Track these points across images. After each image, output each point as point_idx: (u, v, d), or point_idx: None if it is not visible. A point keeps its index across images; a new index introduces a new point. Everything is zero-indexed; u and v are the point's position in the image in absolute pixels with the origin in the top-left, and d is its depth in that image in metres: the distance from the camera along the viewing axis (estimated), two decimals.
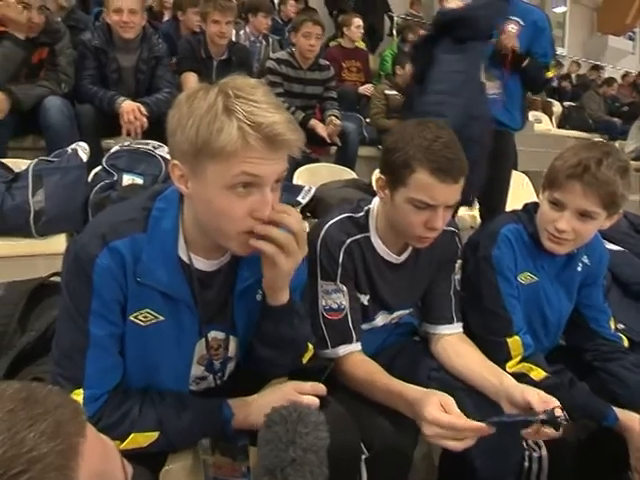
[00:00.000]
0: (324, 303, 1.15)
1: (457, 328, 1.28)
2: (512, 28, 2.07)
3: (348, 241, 1.16)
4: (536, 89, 2.34)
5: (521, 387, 1.04)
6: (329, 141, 3.01)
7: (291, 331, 0.94)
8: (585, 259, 1.36)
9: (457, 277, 1.31)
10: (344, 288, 1.16)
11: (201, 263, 0.89)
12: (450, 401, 0.93)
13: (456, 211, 2.16)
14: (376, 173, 1.16)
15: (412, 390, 1.01)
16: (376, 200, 1.20)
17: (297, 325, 0.94)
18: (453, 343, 1.26)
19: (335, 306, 1.16)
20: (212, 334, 0.95)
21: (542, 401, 0.97)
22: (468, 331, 1.30)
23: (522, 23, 2.07)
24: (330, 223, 1.17)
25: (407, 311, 1.34)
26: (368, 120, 3.85)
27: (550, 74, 2.15)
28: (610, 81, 6.88)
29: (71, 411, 0.44)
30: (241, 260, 0.92)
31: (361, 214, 1.21)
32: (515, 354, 1.24)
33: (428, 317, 1.32)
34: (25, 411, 0.42)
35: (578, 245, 1.26)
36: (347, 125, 3.15)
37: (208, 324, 0.93)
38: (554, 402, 0.96)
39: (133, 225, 0.84)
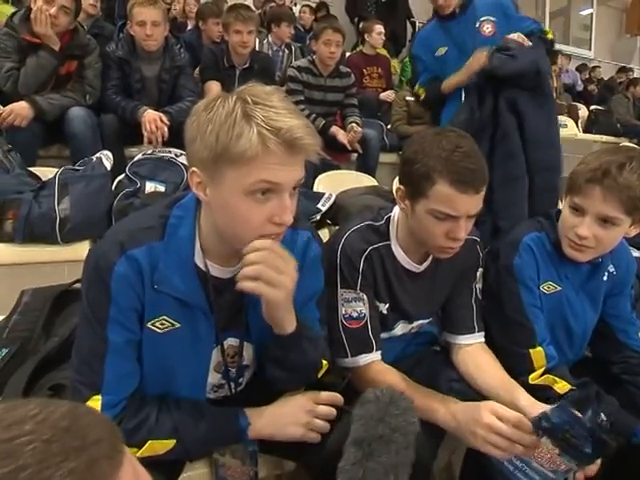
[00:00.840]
0: (344, 311, 1.15)
1: (478, 338, 1.27)
2: (487, 29, 1.98)
3: (368, 249, 1.16)
4: (551, 59, 2.23)
5: (534, 408, 1.02)
6: (350, 148, 3.01)
7: (301, 357, 0.93)
8: (611, 268, 1.33)
9: (479, 286, 1.30)
10: (364, 296, 1.16)
11: (217, 270, 0.90)
12: (502, 409, 0.95)
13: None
14: (396, 183, 1.16)
15: (451, 400, 1.02)
16: (397, 208, 1.20)
17: (307, 349, 0.93)
18: (473, 354, 1.25)
19: (355, 314, 1.16)
20: (228, 341, 0.96)
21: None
22: (490, 341, 1.28)
23: (493, 19, 1.95)
24: (351, 231, 1.18)
25: (427, 320, 1.33)
26: (389, 127, 3.84)
27: (550, 35, 2.04)
28: (635, 81, 6.69)
29: (109, 447, 0.42)
30: None
31: (382, 222, 1.20)
32: (538, 366, 1.22)
33: (449, 326, 1.30)
34: (61, 443, 0.39)
35: (600, 253, 1.23)
36: (368, 132, 3.15)
37: (224, 331, 0.94)
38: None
39: (150, 233, 0.86)
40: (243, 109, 0.76)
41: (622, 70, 7.83)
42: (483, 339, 1.27)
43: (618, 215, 1.12)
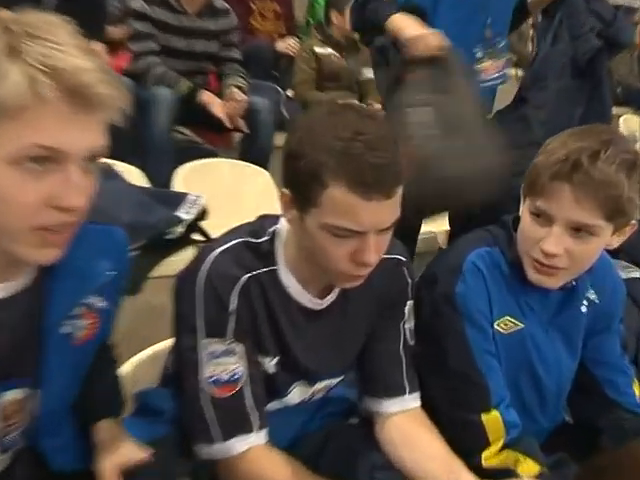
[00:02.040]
0: (209, 373, 1.16)
1: (411, 402, 1.33)
2: None
3: (244, 278, 1.18)
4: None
5: None
6: (229, 125, 3.06)
7: None
8: (591, 294, 1.44)
9: (409, 326, 1.36)
10: (239, 348, 1.18)
11: None
12: None
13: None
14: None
15: None
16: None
17: None
18: (405, 426, 1.30)
19: (226, 376, 1.17)
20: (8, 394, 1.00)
21: None
22: (428, 405, 1.34)
23: None
24: (218, 252, 1.19)
25: (336, 380, 1.37)
26: (290, 93, 3.94)
27: None
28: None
29: None
30: (52, 281, 0.97)
31: (264, 238, 1.23)
32: (494, 438, 1.29)
33: (369, 387, 1.35)
34: None
35: (575, 274, 1.33)
36: (257, 101, 3.22)
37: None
38: None
39: None
40: (9, 42, 0.78)
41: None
42: (418, 403, 1.33)
43: (596, 221, 1.21)
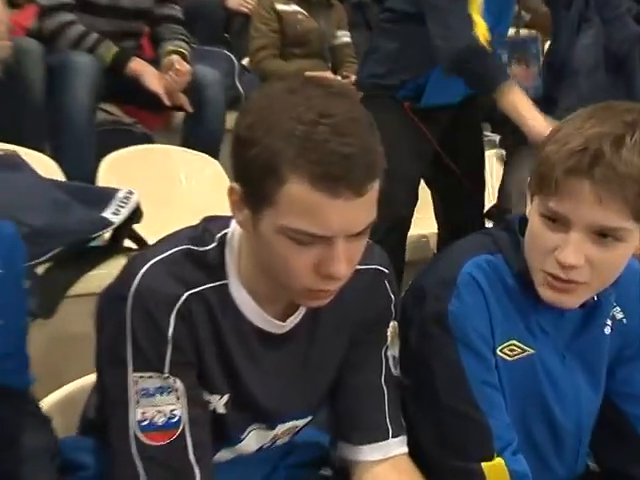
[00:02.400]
0: (140, 416, 1.17)
1: (396, 447, 1.34)
2: None
3: (185, 296, 1.19)
4: None
5: None
6: (168, 102, 3.06)
7: None
8: (617, 312, 1.47)
9: (392, 353, 1.38)
10: (178, 385, 1.19)
11: None
12: None
13: None
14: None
15: None
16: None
17: None
18: (388, 476, 1.32)
19: (161, 420, 1.18)
20: None
21: None
22: (417, 450, 1.36)
23: None
24: (150, 264, 1.20)
25: (304, 421, 1.39)
26: (246, 61, 3.94)
27: None
28: None
29: None
30: None
31: (211, 246, 1.24)
32: None
33: (344, 431, 1.37)
34: None
35: (598, 289, 1.35)
36: (204, 72, 3.24)
37: None
38: None
39: None
40: None
41: None
42: (404, 448, 1.35)
43: (622, 224, 1.23)
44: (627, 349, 1.49)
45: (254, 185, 1.10)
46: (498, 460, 1.32)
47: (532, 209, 1.32)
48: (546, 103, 2.76)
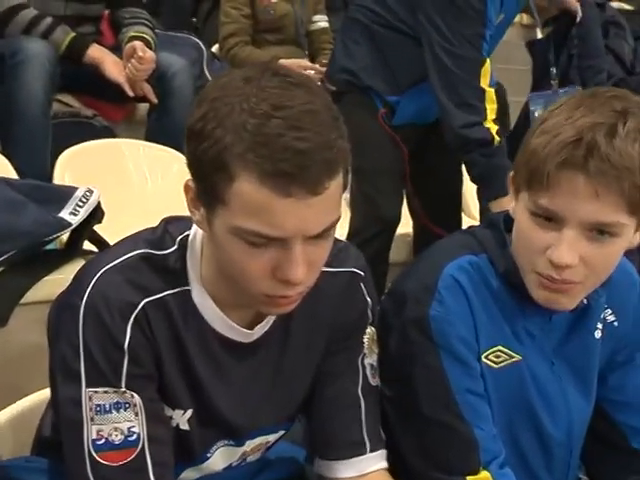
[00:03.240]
0: (96, 434, 1.17)
1: (374, 462, 1.35)
2: None
3: (143, 304, 1.19)
4: None
5: None
6: (130, 93, 3.05)
7: None
8: (608, 315, 1.48)
9: (370, 361, 1.38)
10: (136, 400, 1.18)
11: None
12: None
13: None
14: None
15: None
16: None
17: None
18: None
19: (119, 438, 1.17)
20: None
21: None
22: (397, 464, 1.37)
23: None
24: (104, 270, 1.19)
25: (275, 436, 1.40)
26: (215, 49, 3.93)
27: None
28: None
29: None
30: None
31: (171, 249, 1.24)
32: None
33: (319, 446, 1.37)
34: None
35: (592, 288, 1.36)
36: (171, 60, 3.23)
37: None
38: None
39: None
40: None
41: None
42: (383, 463, 1.36)
43: (618, 218, 1.24)
44: (619, 354, 1.51)
45: (206, 182, 1.09)
46: (484, 474, 1.33)
47: (518, 207, 1.32)
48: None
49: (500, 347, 1.39)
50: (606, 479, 1.54)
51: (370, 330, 1.39)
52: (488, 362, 1.38)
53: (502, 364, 1.39)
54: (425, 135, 2.87)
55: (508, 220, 1.39)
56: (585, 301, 1.40)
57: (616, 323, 1.49)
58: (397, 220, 2.78)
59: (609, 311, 1.48)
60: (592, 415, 1.51)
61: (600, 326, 1.47)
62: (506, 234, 1.39)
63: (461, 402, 1.34)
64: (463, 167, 2.85)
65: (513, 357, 1.39)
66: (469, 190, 3.10)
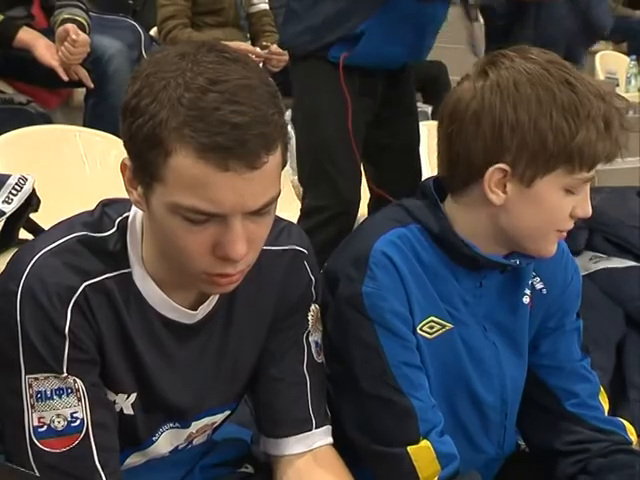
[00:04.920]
0: (37, 421, 1.18)
1: (320, 438, 1.39)
2: None
3: (83, 287, 1.20)
4: None
5: None
6: (64, 77, 3.02)
7: None
8: (537, 282, 1.54)
9: (314, 338, 1.42)
10: (78, 384, 1.19)
11: None
12: None
13: None
14: None
15: None
16: None
17: None
18: (310, 471, 1.36)
19: (61, 424, 1.19)
20: None
21: None
22: (341, 438, 1.41)
23: None
24: (41, 254, 1.20)
25: (221, 416, 1.42)
26: (154, 32, 3.90)
27: None
28: None
29: None
30: None
31: (110, 231, 1.25)
32: (427, 475, 1.37)
33: (266, 424, 1.41)
34: None
35: None
36: (107, 43, 3.21)
37: None
38: None
39: None
40: None
41: None
42: (329, 439, 1.40)
43: None
44: (549, 320, 1.57)
45: (142, 159, 1.10)
46: (424, 443, 1.37)
47: (547, 185, 1.36)
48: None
49: (433, 317, 1.44)
50: (542, 442, 1.59)
51: (314, 307, 1.41)
52: (423, 333, 1.42)
53: (436, 334, 1.44)
54: (383, 102, 2.79)
55: (438, 187, 1.45)
56: (517, 262, 1.45)
57: (545, 291, 1.55)
58: (357, 201, 2.73)
59: (538, 279, 1.54)
60: (527, 381, 1.57)
61: (528, 292, 1.53)
62: (439, 201, 1.44)
63: (398, 375, 1.38)
64: (422, 135, 2.85)
65: (445, 326, 1.45)
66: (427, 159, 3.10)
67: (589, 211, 1.40)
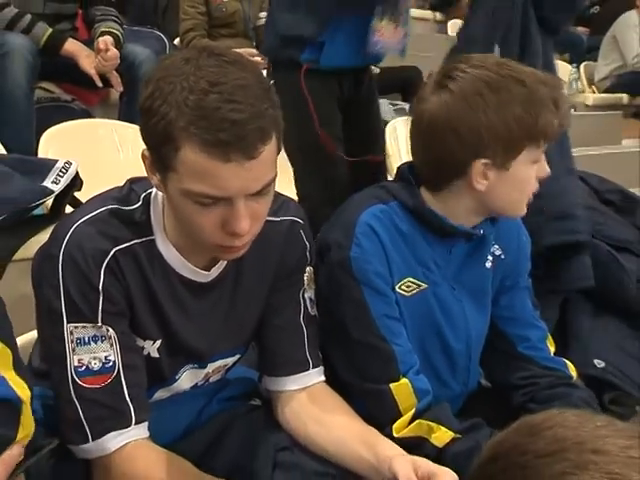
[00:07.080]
0: (77, 362, 1.18)
1: (315, 377, 1.39)
2: None
3: (114, 251, 1.19)
4: None
5: (392, 457, 1.16)
6: (99, 84, 2.98)
7: None
8: (496, 250, 1.55)
9: (309, 295, 1.41)
10: (111, 332, 1.20)
11: None
12: None
13: None
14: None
15: None
16: None
17: None
18: (309, 402, 1.36)
19: (97, 365, 1.19)
20: None
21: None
22: (333, 379, 1.41)
23: None
24: (78, 224, 1.19)
25: (233, 359, 1.42)
26: (178, 41, 3.87)
27: None
28: None
29: None
30: None
31: (136, 205, 1.23)
32: (405, 407, 1.37)
33: (269, 366, 1.40)
34: None
35: None
36: (138, 51, 3.14)
37: None
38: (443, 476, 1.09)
39: None
40: None
41: None
42: (322, 377, 1.40)
43: None
44: (507, 280, 1.59)
45: (157, 152, 1.10)
46: (404, 380, 1.39)
47: (519, 162, 1.38)
48: None
49: (409, 278, 1.45)
50: (500, 378, 1.62)
51: (309, 269, 1.41)
52: (401, 291, 1.44)
53: (412, 292, 1.45)
54: (349, 99, 2.52)
55: (412, 171, 1.46)
56: (481, 231, 1.48)
57: (503, 256, 1.56)
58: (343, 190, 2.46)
59: (497, 247, 1.56)
60: (489, 330, 1.59)
61: (490, 258, 1.55)
62: (414, 182, 1.45)
63: (381, 325, 1.39)
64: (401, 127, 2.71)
65: (421, 286, 1.46)
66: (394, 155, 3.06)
67: (547, 169, 1.43)
